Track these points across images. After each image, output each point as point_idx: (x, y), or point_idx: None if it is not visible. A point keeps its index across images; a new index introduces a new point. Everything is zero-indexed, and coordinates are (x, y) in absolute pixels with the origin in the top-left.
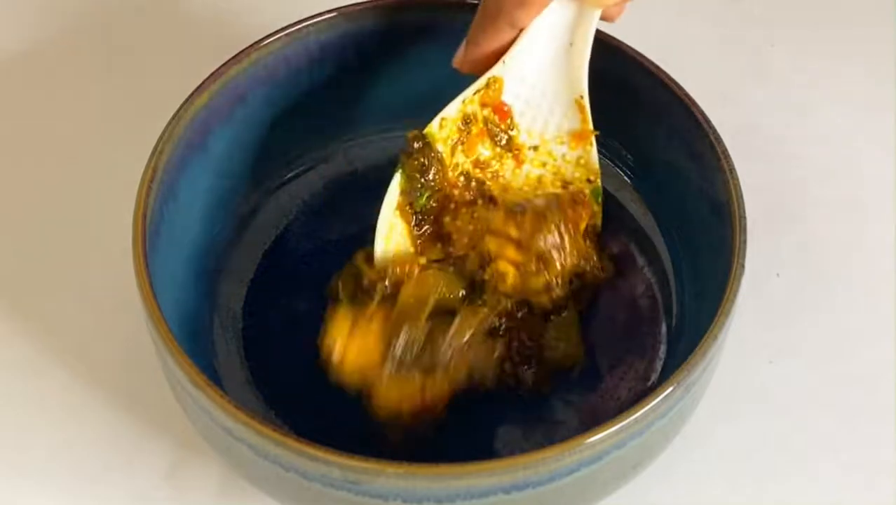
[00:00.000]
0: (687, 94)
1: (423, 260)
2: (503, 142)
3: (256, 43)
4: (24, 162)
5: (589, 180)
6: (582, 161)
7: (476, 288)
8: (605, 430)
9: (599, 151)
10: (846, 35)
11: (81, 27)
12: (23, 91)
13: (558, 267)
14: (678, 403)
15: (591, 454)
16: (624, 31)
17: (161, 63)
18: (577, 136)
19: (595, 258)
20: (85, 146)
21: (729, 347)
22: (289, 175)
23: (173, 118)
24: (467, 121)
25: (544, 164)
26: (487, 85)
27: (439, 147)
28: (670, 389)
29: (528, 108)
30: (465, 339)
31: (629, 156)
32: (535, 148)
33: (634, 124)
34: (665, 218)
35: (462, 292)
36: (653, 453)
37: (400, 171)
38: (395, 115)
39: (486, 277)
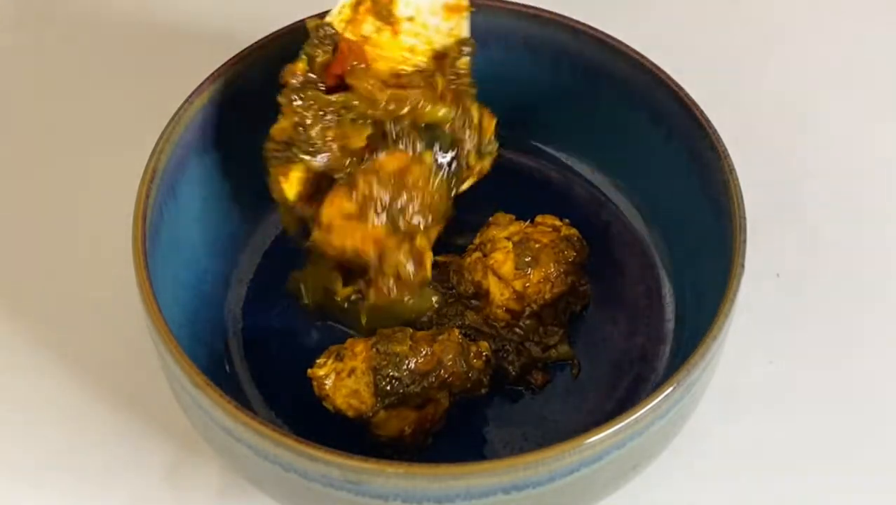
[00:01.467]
0: (687, 94)
1: None
2: (383, 14)
3: (256, 43)
4: (24, 162)
5: (463, 49)
6: (454, 32)
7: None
8: (605, 430)
9: (599, 151)
10: (846, 34)
11: (81, 27)
12: (23, 91)
13: (540, 301)
14: (678, 403)
15: (591, 454)
16: (624, 31)
17: (161, 63)
18: (451, 9)
19: (578, 287)
20: (85, 146)
21: (729, 347)
22: None
23: (173, 118)
24: (358, 2)
25: (417, 35)
26: None
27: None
28: (670, 389)
29: None
30: (449, 363)
31: (629, 156)
32: (411, 19)
33: (635, 125)
34: (665, 218)
35: (438, 301)
36: (653, 453)
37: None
38: None
39: (482, 311)
